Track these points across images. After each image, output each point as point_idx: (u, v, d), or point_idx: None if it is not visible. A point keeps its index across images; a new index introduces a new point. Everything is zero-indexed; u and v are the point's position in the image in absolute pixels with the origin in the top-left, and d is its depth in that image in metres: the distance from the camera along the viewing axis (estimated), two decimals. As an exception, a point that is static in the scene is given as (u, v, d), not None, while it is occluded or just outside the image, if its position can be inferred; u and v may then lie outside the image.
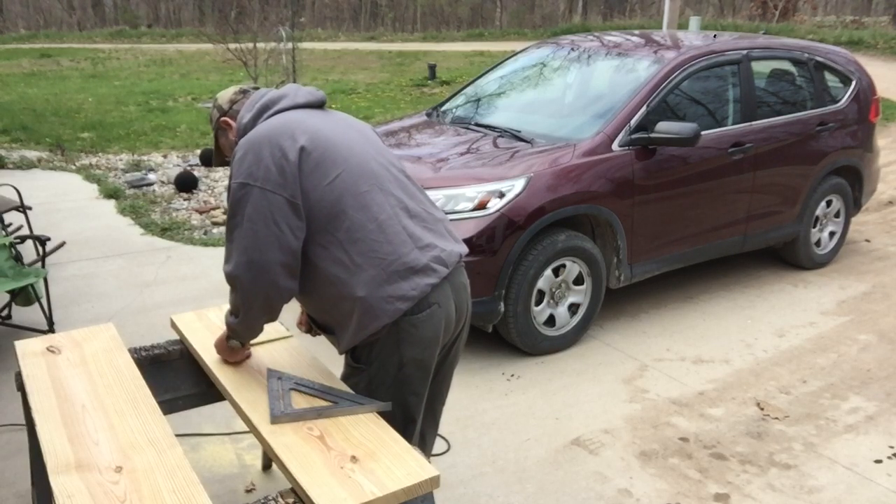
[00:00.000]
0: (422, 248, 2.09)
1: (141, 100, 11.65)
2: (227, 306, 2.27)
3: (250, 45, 12.48)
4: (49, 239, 4.20)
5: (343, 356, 2.23)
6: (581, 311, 4.08)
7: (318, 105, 2.21)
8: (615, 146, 4.04)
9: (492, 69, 5.41)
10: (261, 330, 2.20)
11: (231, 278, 2.04)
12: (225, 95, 2.28)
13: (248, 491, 2.87)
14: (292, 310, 3.97)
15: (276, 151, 1.99)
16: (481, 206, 3.70)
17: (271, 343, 2.47)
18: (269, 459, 2.77)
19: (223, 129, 2.26)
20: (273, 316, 2.13)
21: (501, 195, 3.72)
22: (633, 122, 4.10)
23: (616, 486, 2.95)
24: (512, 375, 3.79)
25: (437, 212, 2.25)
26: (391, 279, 2.03)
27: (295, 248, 2.00)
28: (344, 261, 2.03)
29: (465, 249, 2.25)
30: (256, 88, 2.27)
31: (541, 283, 3.87)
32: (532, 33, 20.92)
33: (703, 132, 4.14)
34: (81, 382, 2.20)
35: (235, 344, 2.25)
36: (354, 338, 2.09)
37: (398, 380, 2.15)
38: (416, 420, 2.26)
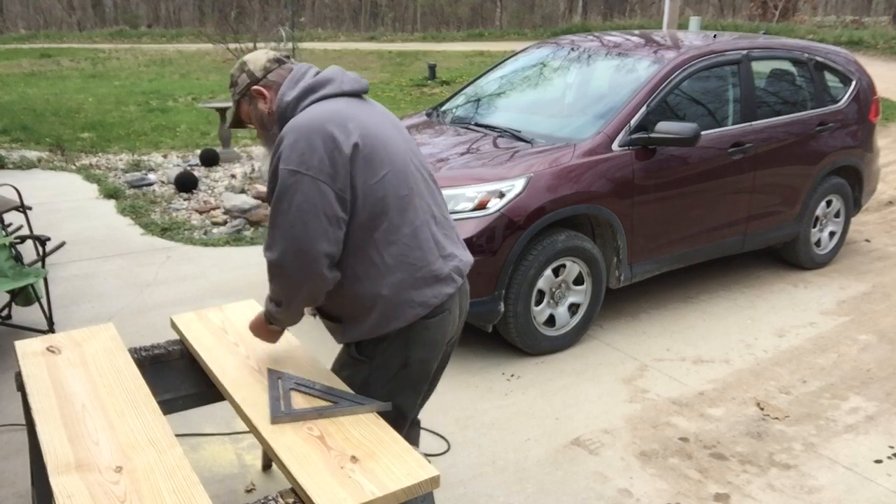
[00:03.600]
0: (445, 258, 2.15)
1: (141, 100, 11.65)
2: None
3: (250, 45, 12.49)
4: (49, 239, 4.20)
5: (341, 346, 2.24)
6: (581, 311, 4.08)
7: (362, 94, 2.18)
8: (615, 146, 4.04)
9: (492, 69, 5.41)
10: (302, 316, 2.18)
11: (276, 267, 2.00)
12: (257, 61, 2.16)
13: (248, 491, 2.87)
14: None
15: (329, 142, 1.96)
16: (481, 206, 3.70)
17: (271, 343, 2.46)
18: (269, 459, 2.77)
19: (253, 96, 2.15)
20: (316, 304, 2.13)
21: (501, 195, 3.72)
22: (633, 122, 4.10)
23: (616, 486, 2.95)
24: (512, 375, 3.79)
25: (450, 216, 2.28)
26: (416, 284, 2.07)
27: (340, 240, 2.00)
28: (376, 260, 2.04)
29: (472, 258, 2.30)
30: (287, 58, 2.21)
31: (541, 283, 3.87)
32: (532, 33, 20.93)
33: (703, 132, 4.14)
34: (81, 382, 2.20)
35: (275, 328, 2.23)
36: (366, 333, 2.11)
37: (398, 377, 2.17)
38: (407, 417, 2.27)
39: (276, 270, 2.01)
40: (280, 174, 1.96)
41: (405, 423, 2.26)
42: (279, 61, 2.17)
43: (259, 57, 2.17)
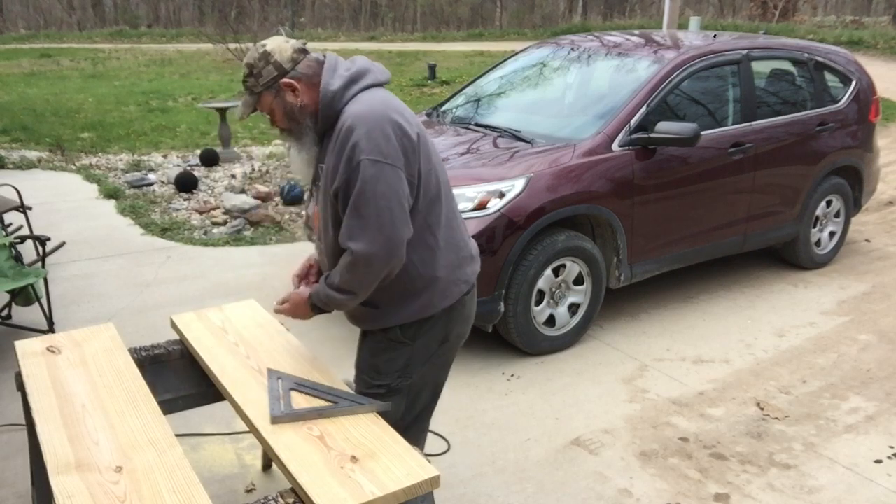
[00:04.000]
0: (469, 238, 2.30)
1: (141, 100, 11.65)
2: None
3: (250, 45, 12.49)
4: (49, 239, 4.20)
5: (365, 337, 2.26)
6: (581, 311, 4.08)
7: (386, 84, 2.21)
8: (615, 146, 4.04)
9: (492, 69, 5.41)
10: None
11: (365, 256, 1.99)
12: (283, 52, 2.08)
13: (248, 491, 2.87)
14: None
15: (398, 130, 2.00)
16: (481, 206, 3.70)
17: (271, 342, 2.47)
18: (269, 459, 2.77)
19: (280, 89, 2.08)
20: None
21: (501, 195, 3.72)
22: (633, 122, 4.10)
23: (616, 486, 2.95)
24: (512, 375, 3.79)
25: None
26: (462, 264, 2.21)
27: (411, 224, 2.06)
28: (431, 244, 2.12)
29: None
30: (306, 45, 2.16)
31: (541, 283, 3.86)
32: (532, 33, 20.93)
33: (703, 132, 4.14)
34: (81, 382, 2.20)
35: (321, 312, 2.21)
36: (412, 315, 2.15)
37: (437, 354, 2.24)
38: (439, 395, 2.37)
39: (362, 260, 2.00)
40: (361, 165, 1.96)
41: (435, 406, 2.36)
42: (304, 51, 2.11)
43: (284, 47, 2.09)
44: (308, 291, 2.20)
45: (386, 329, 2.19)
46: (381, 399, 2.22)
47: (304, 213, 5.22)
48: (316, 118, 2.09)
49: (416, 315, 2.15)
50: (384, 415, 2.10)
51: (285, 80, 2.08)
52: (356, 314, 2.24)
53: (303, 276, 2.36)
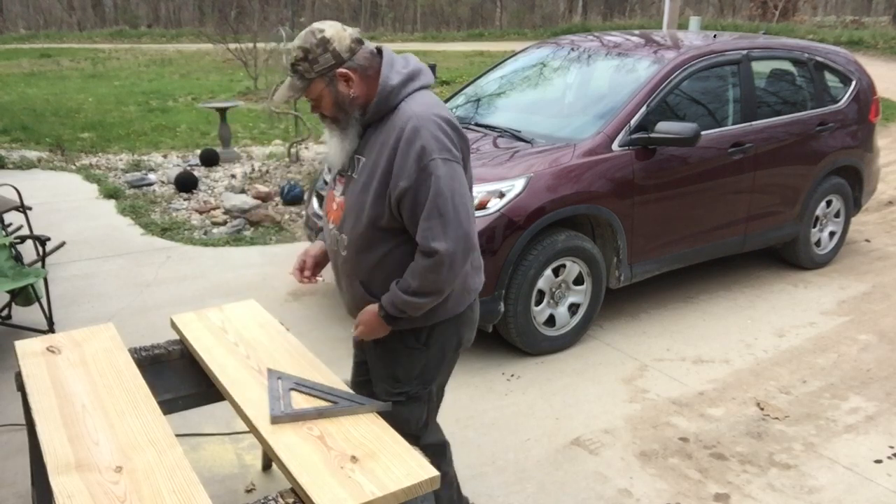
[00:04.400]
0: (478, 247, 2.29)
1: (141, 100, 11.65)
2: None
3: (250, 45, 12.48)
4: (49, 239, 4.19)
5: (376, 346, 2.24)
6: (581, 311, 4.08)
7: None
8: (615, 146, 4.04)
9: (492, 69, 5.41)
10: None
11: (448, 255, 1.98)
12: (342, 41, 2.03)
13: (248, 491, 2.87)
14: (288, 308, 3.94)
15: (457, 130, 2.06)
16: (481, 206, 3.70)
17: (271, 342, 2.47)
18: (269, 459, 2.77)
19: (334, 78, 2.04)
20: None
21: (501, 195, 3.72)
22: (633, 122, 4.10)
23: (616, 486, 2.95)
24: (512, 375, 3.79)
25: None
26: (476, 271, 2.25)
27: None
28: None
29: None
30: (361, 35, 2.12)
31: (541, 283, 3.86)
32: (532, 33, 20.93)
33: (703, 132, 4.14)
34: (81, 382, 2.20)
35: (399, 324, 2.14)
36: (431, 318, 2.15)
37: (450, 359, 2.28)
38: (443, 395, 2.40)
39: (446, 260, 1.99)
40: (434, 165, 1.96)
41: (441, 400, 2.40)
42: (360, 41, 2.07)
43: (342, 35, 2.04)
44: (376, 307, 2.12)
45: (400, 337, 2.18)
46: (400, 407, 2.23)
47: (303, 212, 5.22)
48: (364, 110, 2.08)
49: (433, 319, 2.15)
50: (385, 415, 2.10)
51: (341, 69, 2.04)
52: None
53: (302, 270, 2.36)
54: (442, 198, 1.97)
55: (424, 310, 2.10)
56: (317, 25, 2.06)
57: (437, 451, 2.40)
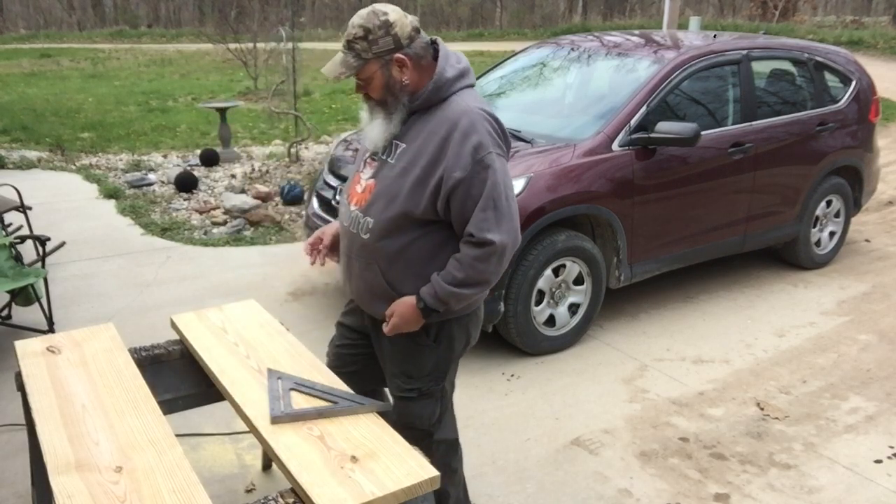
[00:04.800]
0: None
1: (141, 100, 11.65)
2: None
3: (250, 45, 12.48)
4: (49, 239, 4.19)
5: (385, 343, 2.26)
6: (581, 311, 4.08)
7: None
8: (615, 146, 4.04)
9: (492, 69, 5.41)
10: None
11: (501, 246, 2.04)
12: (404, 27, 2.06)
13: (248, 491, 2.87)
14: (288, 308, 3.94)
15: (504, 129, 2.14)
16: (481, 206, 3.69)
17: (271, 342, 2.47)
18: (269, 459, 2.77)
19: (392, 62, 2.07)
20: None
21: (501, 195, 3.72)
22: (633, 122, 4.10)
23: (616, 486, 2.95)
24: (512, 375, 3.79)
25: None
26: None
27: None
28: None
29: None
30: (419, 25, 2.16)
31: (541, 283, 3.86)
32: (532, 33, 20.93)
33: (703, 132, 4.14)
34: (81, 382, 2.20)
35: (436, 316, 2.16)
36: (447, 314, 2.17)
37: (458, 357, 2.31)
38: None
39: (500, 250, 2.05)
40: (489, 159, 2.04)
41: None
42: (418, 30, 2.11)
43: (404, 22, 2.07)
44: (412, 298, 2.13)
45: (413, 336, 2.19)
46: (412, 403, 2.27)
47: (303, 212, 5.21)
48: (412, 98, 2.11)
49: (445, 316, 2.17)
50: (391, 414, 2.10)
51: (399, 54, 2.07)
52: (384, 298, 2.20)
53: (315, 246, 2.37)
54: (497, 191, 2.03)
55: (467, 302, 2.13)
56: (379, 7, 2.08)
57: (450, 448, 2.42)
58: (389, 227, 2.12)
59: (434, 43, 2.15)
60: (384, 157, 2.17)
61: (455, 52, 2.19)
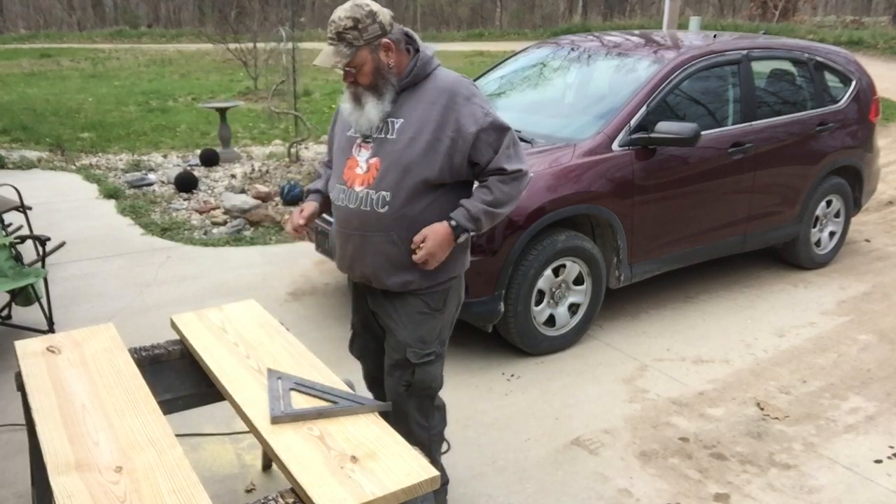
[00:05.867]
0: None
1: (141, 100, 11.65)
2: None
3: (250, 45, 12.48)
4: (49, 239, 4.19)
5: (394, 315, 2.45)
6: (581, 311, 4.08)
7: None
8: (615, 146, 4.04)
9: (492, 69, 5.41)
10: None
11: (523, 173, 2.37)
12: (385, 16, 2.29)
13: (248, 491, 2.87)
14: (288, 308, 3.94)
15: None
16: (481, 206, 3.69)
17: (271, 342, 2.47)
18: (269, 459, 2.77)
19: (380, 47, 2.27)
20: None
21: (501, 195, 3.72)
22: (633, 122, 4.10)
23: (616, 486, 2.95)
24: (512, 375, 3.79)
25: None
26: None
27: None
28: None
29: None
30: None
31: (541, 283, 3.86)
32: (532, 33, 20.92)
33: (703, 132, 4.14)
34: (81, 382, 2.20)
35: (465, 237, 2.37)
36: (450, 272, 2.43)
37: (454, 319, 2.56)
38: None
39: (523, 176, 2.37)
40: (494, 114, 2.33)
41: None
42: (394, 19, 2.33)
43: (384, 11, 2.29)
44: (444, 223, 2.32)
45: (425, 298, 2.41)
46: (429, 366, 2.47)
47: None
48: (399, 77, 2.31)
49: (452, 272, 2.44)
50: (384, 415, 2.10)
51: (385, 39, 2.27)
52: (394, 264, 2.37)
53: (301, 225, 2.50)
54: (511, 135, 2.35)
55: (495, 222, 2.39)
56: (359, 1, 2.27)
57: (443, 410, 2.72)
58: (410, 196, 2.31)
59: (403, 30, 2.37)
60: (381, 136, 2.34)
61: (417, 38, 2.40)
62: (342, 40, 2.24)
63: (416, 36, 2.38)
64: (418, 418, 2.55)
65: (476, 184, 2.41)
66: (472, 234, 2.37)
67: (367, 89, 2.31)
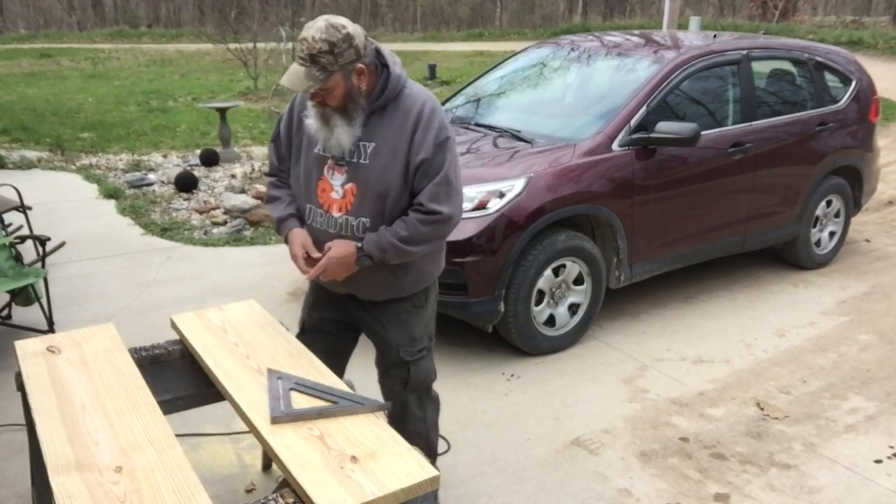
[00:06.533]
0: None
1: (141, 100, 11.65)
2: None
3: (250, 45, 12.48)
4: (49, 239, 4.19)
5: (381, 318, 2.47)
6: (581, 311, 4.08)
7: None
8: (615, 146, 4.04)
9: (492, 69, 5.41)
10: None
11: (450, 217, 2.29)
12: (360, 38, 2.17)
13: (248, 491, 2.87)
14: (288, 308, 3.94)
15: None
16: (481, 206, 3.70)
17: (271, 342, 2.47)
18: (269, 459, 2.77)
19: (353, 72, 2.18)
20: None
21: (501, 195, 3.72)
22: (633, 122, 4.10)
23: (616, 486, 2.95)
24: (512, 375, 3.79)
25: None
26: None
27: None
28: None
29: None
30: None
31: (541, 283, 3.86)
32: (532, 33, 20.92)
33: (703, 132, 4.14)
34: (81, 382, 2.20)
35: (367, 263, 2.32)
36: (427, 280, 2.47)
37: (434, 312, 2.60)
38: None
39: (447, 220, 2.29)
40: (449, 141, 2.27)
41: None
42: (368, 38, 2.24)
43: (359, 32, 2.19)
44: (352, 243, 2.29)
45: (409, 302, 2.44)
46: (422, 361, 2.51)
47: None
48: (369, 100, 2.25)
49: (430, 280, 2.48)
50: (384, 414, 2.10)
51: (359, 64, 2.19)
52: (386, 285, 2.40)
53: (307, 257, 2.40)
54: (453, 169, 2.28)
55: (397, 260, 2.32)
56: (335, 20, 2.16)
57: (437, 400, 2.74)
58: (390, 220, 2.30)
59: (371, 42, 2.27)
60: (354, 161, 2.28)
61: (386, 49, 2.33)
62: (315, 63, 2.13)
63: (384, 51, 2.29)
64: (416, 411, 2.60)
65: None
66: (374, 261, 2.30)
67: (336, 112, 2.23)
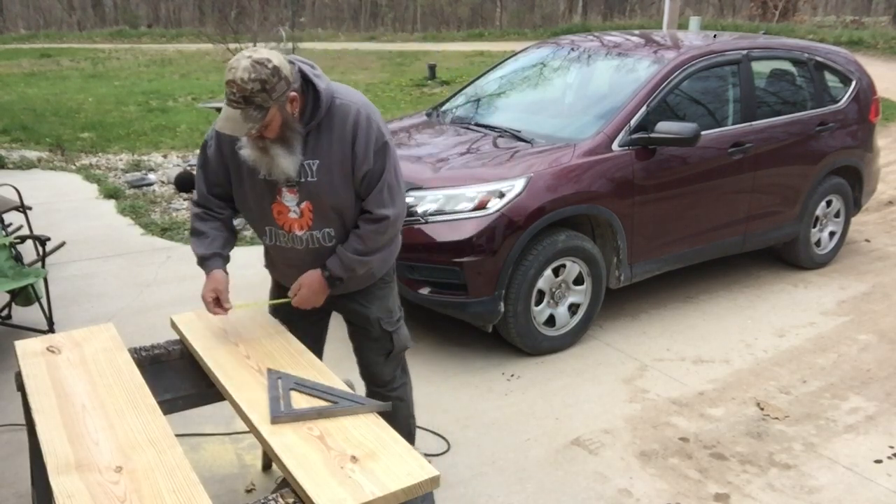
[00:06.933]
0: None
1: (141, 100, 11.64)
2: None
3: (250, 45, 12.48)
4: (49, 239, 4.19)
5: (361, 300, 2.59)
6: (581, 311, 4.08)
7: None
8: (615, 146, 4.04)
9: (492, 69, 5.41)
10: None
11: (396, 218, 2.38)
12: (285, 66, 2.13)
13: (248, 491, 2.87)
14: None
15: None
16: (481, 206, 3.70)
17: (271, 342, 2.47)
18: (269, 459, 2.77)
19: (287, 101, 2.15)
20: None
21: (501, 195, 3.72)
22: (633, 122, 4.10)
23: (616, 486, 2.95)
24: (512, 375, 3.79)
25: None
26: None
27: None
28: None
29: None
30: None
31: (541, 283, 3.86)
32: (532, 33, 20.91)
33: (703, 132, 4.14)
34: (81, 382, 2.20)
35: (339, 283, 2.44)
36: (393, 256, 2.58)
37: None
38: None
39: (393, 223, 2.39)
40: (388, 145, 2.31)
41: None
42: (291, 61, 2.21)
43: (283, 60, 2.14)
44: (319, 271, 2.40)
45: (381, 280, 2.58)
46: (398, 329, 2.64)
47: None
48: (302, 121, 2.23)
49: (393, 259, 2.60)
50: (385, 415, 2.10)
51: (290, 93, 2.16)
52: (358, 282, 2.52)
53: (219, 303, 2.48)
54: (394, 172, 2.35)
55: (364, 270, 2.44)
56: (257, 57, 2.10)
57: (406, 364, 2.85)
58: (352, 224, 2.40)
59: (292, 63, 2.22)
60: (303, 180, 2.30)
61: (300, 58, 2.27)
62: (250, 104, 2.08)
63: (304, 68, 2.23)
64: (400, 377, 2.75)
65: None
66: (345, 280, 2.43)
67: (275, 142, 2.19)
